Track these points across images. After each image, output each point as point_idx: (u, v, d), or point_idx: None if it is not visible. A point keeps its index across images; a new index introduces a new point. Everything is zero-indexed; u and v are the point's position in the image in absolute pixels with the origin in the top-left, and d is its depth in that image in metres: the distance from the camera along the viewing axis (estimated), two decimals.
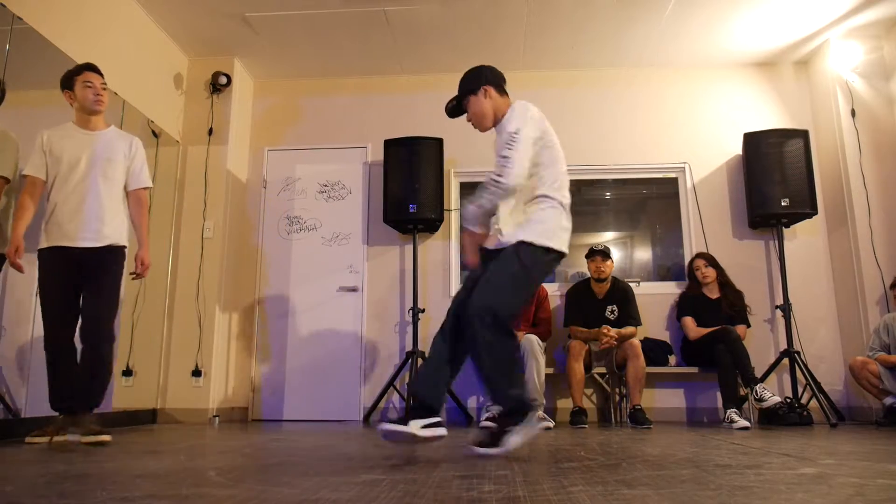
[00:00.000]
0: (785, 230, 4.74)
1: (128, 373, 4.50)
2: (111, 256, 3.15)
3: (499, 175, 2.33)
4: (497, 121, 2.56)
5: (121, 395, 4.44)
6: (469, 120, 2.62)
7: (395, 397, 4.79)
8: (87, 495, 1.52)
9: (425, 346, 4.77)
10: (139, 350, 4.56)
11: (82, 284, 3.07)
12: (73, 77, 3.16)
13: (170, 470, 1.96)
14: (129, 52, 4.34)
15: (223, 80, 4.97)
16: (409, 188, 4.69)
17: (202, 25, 4.68)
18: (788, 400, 4.18)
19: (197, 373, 4.60)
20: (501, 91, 2.59)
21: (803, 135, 4.62)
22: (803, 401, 4.27)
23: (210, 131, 4.97)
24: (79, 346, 3.01)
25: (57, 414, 3.01)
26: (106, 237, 3.13)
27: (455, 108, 2.66)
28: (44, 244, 3.05)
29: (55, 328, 3.01)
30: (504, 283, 2.28)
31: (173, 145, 4.90)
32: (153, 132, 4.73)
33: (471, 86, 2.56)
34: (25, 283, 3.79)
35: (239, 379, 4.95)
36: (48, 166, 3.08)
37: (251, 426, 4.27)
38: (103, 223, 3.12)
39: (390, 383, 4.64)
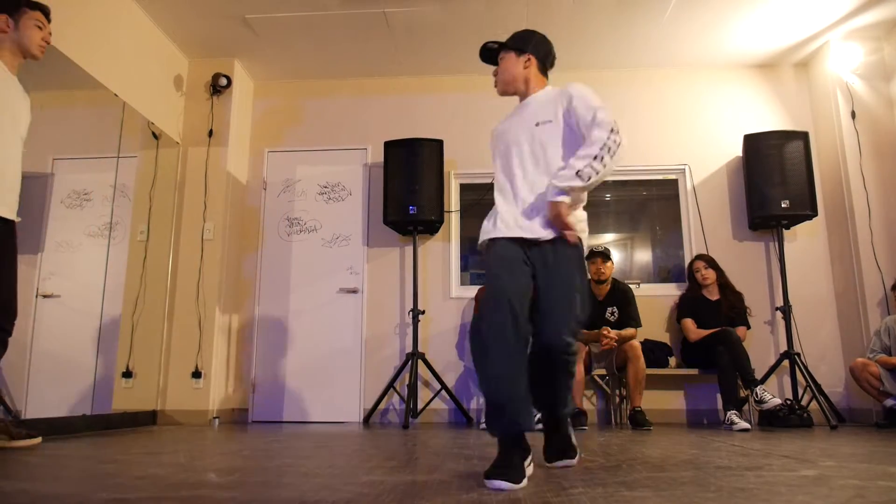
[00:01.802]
0: (785, 232, 4.74)
1: (128, 374, 4.50)
2: (8, 231, 2.70)
3: (616, 133, 2.11)
4: (524, 94, 2.33)
5: (121, 397, 4.43)
6: (495, 74, 2.37)
7: (395, 399, 4.79)
8: (88, 497, 1.52)
9: (425, 347, 4.77)
10: (139, 352, 4.56)
11: None
12: (23, 7, 2.70)
13: (170, 472, 1.96)
14: (130, 54, 4.34)
15: (223, 81, 4.98)
16: (409, 190, 4.69)
17: (202, 27, 4.68)
18: (789, 402, 4.18)
19: (197, 374, 4.60)
20: (543, 69, 2.36)
21: (803, 136, 4.62)
22: (803, 402, 4.27)
23: (210, 133, 4.97)
24: None
25: None
26: (13, 209, 2.69)
27: (489, 55, 2.36)
28: None
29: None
30: (576, 302, 2.00)
31: (173, 147, 4.91)
32: (153, 134, 4.73)
33: (518, 45, 2.31)
34: (26, 283, 3.80)
35: (239, 380, 4.95)
36: None
37: (251, 428, 4.27)
38: (10, 190, 2.67)
39: (390, 385, 4.64)
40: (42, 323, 3.86)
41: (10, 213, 2.63)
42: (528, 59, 2.28)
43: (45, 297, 3.88)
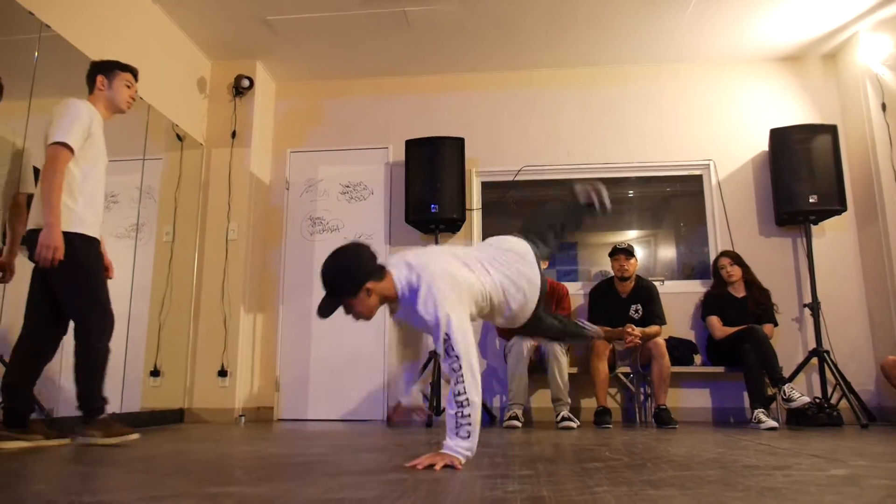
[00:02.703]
0: (813, 227, 4.65)
1: (155, 373, 4.58)
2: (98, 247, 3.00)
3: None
4: (394, 301, 2.17)
5: (149, 396, 4.51)
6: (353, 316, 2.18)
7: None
8: (117, 493, 1.55)
9: None
10: (166, 351, 4.63)
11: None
12: (116, 70, 3.07)
13: (198, 468, 1.99)
14: (154, 57, 4.41)
15: (246, 83, 5.03)
16: (430, 188, 4.69)
17: (224, 29, 4.74)
18: (818, 400, 4.10)
19: (223, 373, 4.66)
20: (378, 272, 2.11)
21: (832, 130, 4.53)
22: (833, 401, 4.19)
23: (233, 134, 5.03)
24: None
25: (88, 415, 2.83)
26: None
27: (326, 309, 2.11)
28: (86, 230, 2.83)
29: (109, 315, 2.88)
30: None
31: (197, 148, 4.97)
32: (178, 136, 4.80)
33: (345, 292, 2.08)
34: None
35: (264, 379, 5.00)
36: (85, 146, 2.85)
37: (276, 426, 4.32)
38: (101, 216, 3.00)
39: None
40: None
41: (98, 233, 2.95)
42: (367, 289, 2.08)
43: None
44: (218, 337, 4.72)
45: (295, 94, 5.52)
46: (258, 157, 5.15)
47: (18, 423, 2.74)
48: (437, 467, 1.87)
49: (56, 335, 2.89)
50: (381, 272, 2.11)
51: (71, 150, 2.75)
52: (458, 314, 1.99)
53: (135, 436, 2.88)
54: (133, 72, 3.14)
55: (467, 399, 1.92)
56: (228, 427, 4.14)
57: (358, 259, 2.09)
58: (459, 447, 1.92)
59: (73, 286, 2.79)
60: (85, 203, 2.85)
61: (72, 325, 2.89)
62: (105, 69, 3.06)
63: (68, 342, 2.93)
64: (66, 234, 2.72)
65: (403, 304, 2.15)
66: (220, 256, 4.84)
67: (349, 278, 2.06)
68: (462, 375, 1.92)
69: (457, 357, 1.93)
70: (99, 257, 2.93)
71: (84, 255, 2.80)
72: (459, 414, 1.92)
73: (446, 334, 1.94)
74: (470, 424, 1.92)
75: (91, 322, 2.82)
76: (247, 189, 4.96)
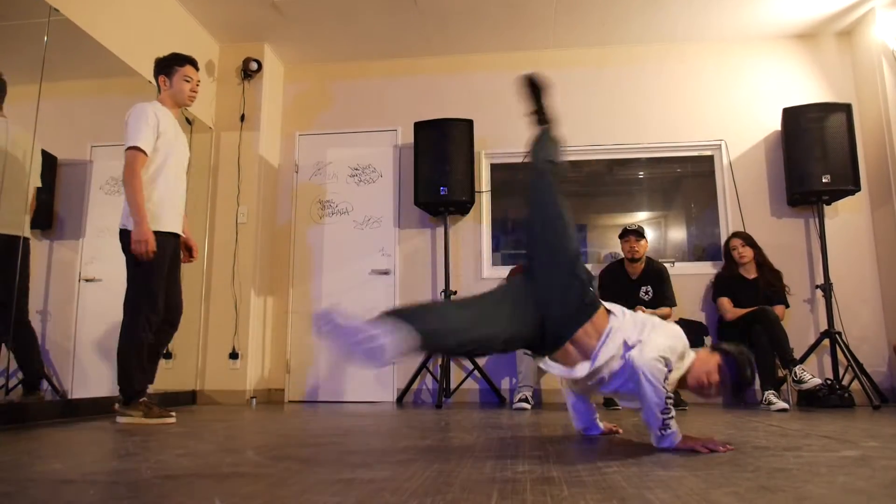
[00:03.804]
0: (826, 208, 4.60)
1: (168, 356, 4.62)
2: (178, 244, 3.29)
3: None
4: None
5: (161, 378, 4.53)
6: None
7: (428, 379, 4.83)
8: (132, 473, 1.57)
9: None
10: (178, 334, 4.59)
11: (170, 272, 3.18)
12: (174, 66, 3.21)
13: (210, 450, 2.02)
14: (162, 41, 4.38)
15: (254, 66, 5.01)
16: (439, 171, 4.67)
17: (232, 12, 4.71)
18: (829, 382, 4.09)
19: (234, 355, 4.70)
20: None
21: (846, 108, 4.46)
22: (844, 382, 4.17)
23: (242, 117, 5.02)
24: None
25: (140, 397, 3.03)
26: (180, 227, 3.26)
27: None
28: (156, 227, 3.01)
29: (157, 312, 3.05)
30: None
31: (206, 132, 4.97)
32: (187, 119, 4.79)
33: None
34: (69, 268, 3.91)
35: (275, 361, 5.04)
36: (157, 146, 3.06)
37: (287, 407, 4.36)
38: (182, 215, 3.26)
39: (423, 365, 4.67)
40: (85, 306, 3.98)
41: (181, 231, 3.23)
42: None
43: (87, 280, 3.99)
44: (229, 320, 4.75)
45: (303, 77, 5.50)
46: (267, 140, 5.14)
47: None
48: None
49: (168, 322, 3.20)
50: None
51: (144, 152, 2.96)
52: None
53: (171, 419, 3.01)
54: (192, 63, 3.25)
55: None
56: (240, 409, 4.18)
57: None
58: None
59: (130, 275, 3.01)
60: (159, 199, 3.04)
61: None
62: (164, 68, 3.21)
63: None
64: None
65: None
66: (231, 240, 4.86)
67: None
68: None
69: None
70: (168, 252, 3.08)
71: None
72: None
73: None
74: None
75: (137, 311, 2.98)
76: (256, 172, 4.96)
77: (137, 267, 2.97)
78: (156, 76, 3.25)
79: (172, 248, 3.16)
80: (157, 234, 2.99)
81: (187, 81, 3.21)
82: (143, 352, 3.00)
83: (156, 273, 3.02)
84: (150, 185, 3.02)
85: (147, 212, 2.95)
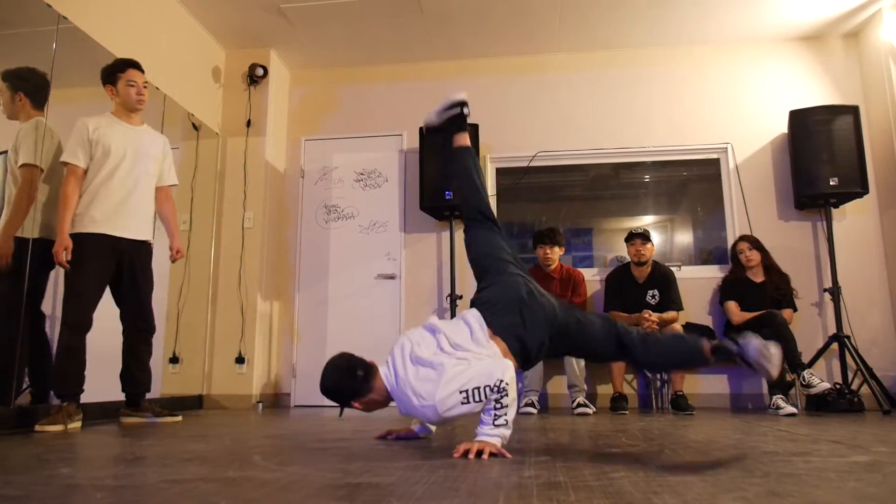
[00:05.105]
0: (833, 210, 4.57)
1: (174, 360, 4.64)
2: (147, 251, 3.32)
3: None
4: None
5: (168, 382, 4.57)
6: None
7: None
8: (139, 477, 1.57)
9: None
10: (185, 338, 4.69)
11: (125, 278, 3.19)
12: (116, 74, 3.25)
13: (217, 454, 2.02)
14: (169, 48, 4.42)
15: (260, 71, 5.03)
16: (444, 175, 4.68)
17: (238, 18, 4.73)
18: (838, 386, 4.06)
19: (240, 360, 4.71)
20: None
21: (853, 111, 4.44)
22: (854, 387, 4.14)
23: (248, 123, 5.04)
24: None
25: (61, 402, 2.97)
26: (145, 232, 3.29)
27: (340, 410, 2.27)
28: (83, 229, 3.06)
29: (87, 312, 3.05)
30: None
31: (213, 138, 4.99)
32: (193, 125, 4.82)
33: (344, 402, 2.20)
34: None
35: (281, 366, 5.05)
36: (93, 156, 3.13)
37: (294, 412, 4.36)
38: (144, 219, 3.28)
39: None
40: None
41: (137, 235, 3.24)
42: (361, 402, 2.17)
43: None
44: (235, 324, 4.76)
45: (309, 82, 5.52)
46: (273, 145, 5.16)
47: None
48: (471, 455, 1.84)
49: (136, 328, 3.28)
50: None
51: (75, 165, 3.08)
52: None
53: (73, 424, 2.91)
54: (133, 66, 3.27)
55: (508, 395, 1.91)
56: (246, 413, 4.18)
57: (339, 383, 2.20)
58: (494, 433, 1.91)
59: (66, 277, 3.07)
60: (101, 205, 3.10)
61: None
62: (108, 77, 3.25)
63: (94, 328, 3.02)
64: (72, 235, 3.02)
65: None
66: (237, 245, 4.88)
67: (339, 398, 2.19)
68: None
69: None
70: (97, 253, 3.07)
71: (76, 251, 3.00)
72: (498, 405, 1.91)
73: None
74: (506, 415, 1.92)
75: (64, 314, 3.03)
76: (262, 177, 4.98)
77: (70, 270, 2.99)
78: (104, 87, 3.28)
79: (119, 253, 3.15)
80: (91, 237, 3.04)
81: (131, 86, 3.24)
82: (70, 355, 2.97)
83: (81, 278, 3.02)
84: (93, 193, 3.09)
85: (88, 217, 3.05)
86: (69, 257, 2.96)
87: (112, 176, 3.15)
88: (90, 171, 3.13)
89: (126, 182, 3.20)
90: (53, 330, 3.43)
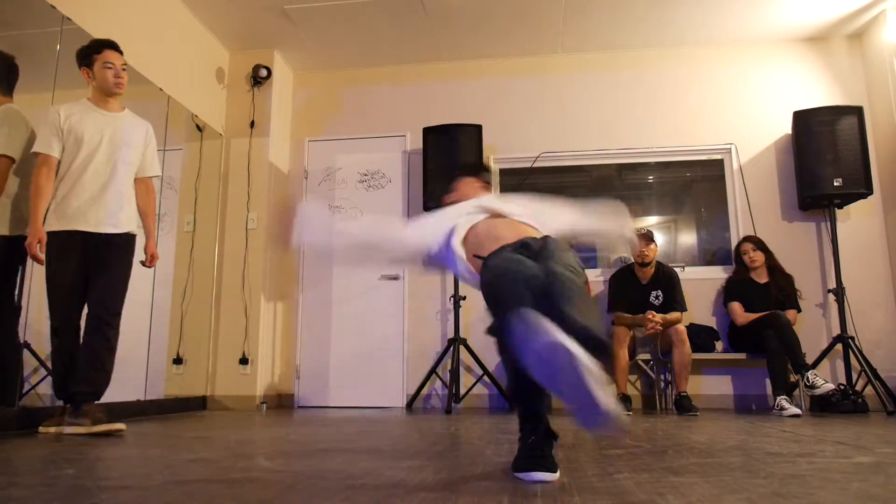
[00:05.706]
0: (838, 211, 4.56)
1: (178, 361, 4.64)
2: (126, 244, 3.04)
3: None
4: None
5: (172, 383, 4.58)
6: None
7: (438, 384, 4.82)
8: (145, 478, 1.58)
9: (467, 332, 4.78)
10: (189, 339, 4.70)
11: (94, 270, 2.93)
12: (92, 55, 2.99)
13: (221, 455, 2.02)
14: (173, 49, 4.44)
15: (264, 72, 5.04)
16: (448, 176, 4.66)
17: (242, 19, 4.75)
18: (842, 387, 4.05)
19: (244, 361, 4.72)
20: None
21: (857, 111, 4.43)
22: (858, 387, 4.13)
23: (252, 124, 5.05)
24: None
25: (62, 403, 2.87)
26: (124, 225, 3.03)
27: None
28: (57, 226, 2.86)
29: (69, 312, 2.90)
30: None
31: (217, 139, 5.00)
32: (197, 126, 4.83)
33: None
34: None
35: (284, 367, 5.06)
36: (65, 145, 2.90)
37: (297, 413, 4.36)
38: (122, 210, 3.02)
39: (433, 370, 4.67)
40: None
41: (114, 228, 2.97)
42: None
43: None
44: (239, 325, 4.77)
45: (312, 83, 5.53)
46: (277, 146, 5.17)
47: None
48: None
49: (94, 317, 2.93)
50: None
51: (46, 154, 2.86)
52: None
53: (99, 427, 2.75)
54: (110, 46, 3.01)
55: None
56: (250, 414, 4.19)
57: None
58: None
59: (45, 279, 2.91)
60: (74, 198, 2.89)
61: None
62: (83, 59, 2.99)
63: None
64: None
65: None
66: (241, 246, 4.89)
67: None
68: None
69: None
70: (69, 250, 2.87)
71: (47, 251, 2.84)
72: None
73: None
74: None
75: (49, 315, 2.89)
76: (266, 178, 4.99)
77: (46, 271, 2.85)
78: (80, 70, 3.01)
79: (94, 248, 2.91)
80: (62, 234, 2.85)
81: (108, 68, 2.96)
82: (60, 358, 2.86)
83: (56, 280, 2.86)
84: (67, 185, 2.89)
85: (59, 213, 2.86)
86: (43, 251, 2.78)
87: (86, 168, 2.92)
88: (63, 162, 2.90)
89: (102, 173, 2.95)
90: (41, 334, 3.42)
